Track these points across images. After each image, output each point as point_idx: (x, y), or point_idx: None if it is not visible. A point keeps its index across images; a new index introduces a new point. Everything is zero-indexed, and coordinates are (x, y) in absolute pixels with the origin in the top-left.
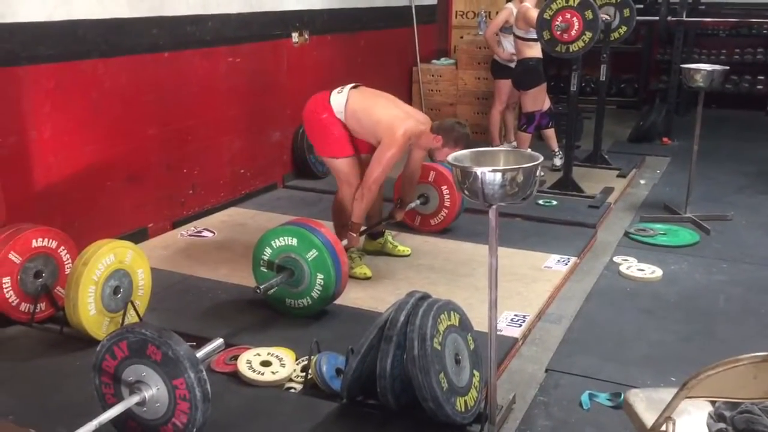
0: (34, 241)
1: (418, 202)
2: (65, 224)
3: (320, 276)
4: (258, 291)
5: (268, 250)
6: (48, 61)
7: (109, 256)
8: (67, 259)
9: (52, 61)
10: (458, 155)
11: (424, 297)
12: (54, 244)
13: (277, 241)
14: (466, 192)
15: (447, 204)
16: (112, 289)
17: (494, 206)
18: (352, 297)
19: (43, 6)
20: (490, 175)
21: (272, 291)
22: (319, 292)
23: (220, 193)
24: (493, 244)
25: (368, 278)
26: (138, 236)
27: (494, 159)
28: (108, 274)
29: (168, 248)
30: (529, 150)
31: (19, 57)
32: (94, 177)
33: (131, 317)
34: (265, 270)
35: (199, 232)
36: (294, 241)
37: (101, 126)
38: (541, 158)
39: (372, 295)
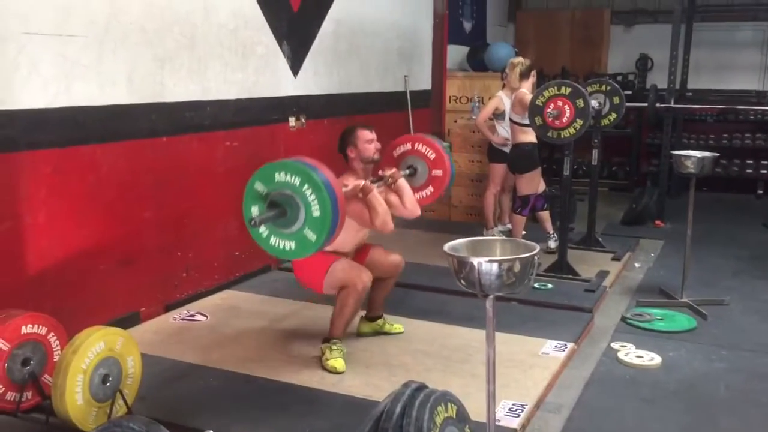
0: (23, 327)
1: (406, 172)
2: (56, 309)
3: (312, 232)
4: (254, 222)
5: (274, 181)
6: (46, 146)
7: (99, 343)
8: (56, 346)
9: (51, 146)
10: (454, 245)
11: (421, 387)
12: (43, 331)
13: (292, 178)
14: (462, 282)
15: (436, 175)
16: (101, 377)
17: (491, 296)
18: (347, 384)
19: (44, 93)
20: (486, 266)
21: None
22: (303, 243)
23: (214, 276)
24: (491, 334)
25: (339, 373)
26: (130, 320)
27: (491, 249)
28: (97, 362)
29: (160, 333)
30: (525, 240)
31: (18, 143)
32: (88, 261)
33: (119, 407)
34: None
35: (192, 315)
36: (311, 197)
37: (97, 210)
38: (538, 248)
39: (367, 382)
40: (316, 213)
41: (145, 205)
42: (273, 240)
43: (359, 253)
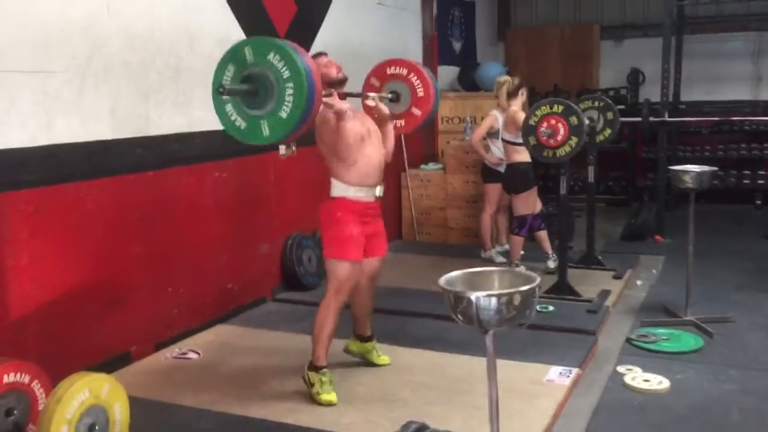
0: (5, 376)
1: (388, 96)
2: (42, 354)
3: (268, 127)
4: (222, 90)
5: (265, 58)
6: (28, 186)
7: (83, 391)
8: (41, 394)
9: (32, 186)
10: (450, 278)
11: (421, 428)
12: (26, 379)
13: (283, 68)
14: (460, 317)
15: (414, 113)
16: (86, 427)
17: (491, 332)
18: (345, 422)
19: (24, 132)
20: (485, 300)
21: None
22: (254, 131)
23: (206, 311)
24: (492, 372)
25: (333, 405)
26: (120, 361)
27: (488, 281)
28: (82, 412)
29: (150, 373)
30: (525, 271)
31: None
32: (74, 302)
33: None
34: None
35: (184, 353)
36: (288, 96)
37: (83, 249)
38: (539, 280)
39: (366, 419)
40: (283, 114)
41: (133, 242)
42: (229, 108)
43: (376, 244)
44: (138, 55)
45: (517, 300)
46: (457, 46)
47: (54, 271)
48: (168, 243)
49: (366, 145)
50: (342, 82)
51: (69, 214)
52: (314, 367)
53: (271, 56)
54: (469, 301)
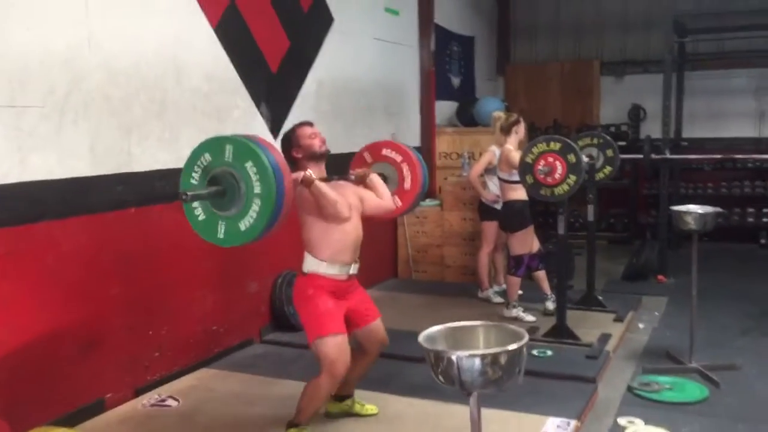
0: None
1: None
2: (10, 404)
3: (226, 235)
4: (185, 197)
5: (242, 166)
6: None
7: None
8: None
9: (3, 226)
10: (431, 334)
11: None
12: None
13: (257, 183)
14: (440, 378)
15: (407, 187)
16: None
17: (475, 393)
18: None
19: None
20: (467, 361)
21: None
22: (210, 231)
23: (189, 354)
24: None
25: None
26: (93, 410)
27: (472, 337)
28: None
29: (125, 423)
30: (513, 326)
31: None
32: (47, 348)
33: None
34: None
35: (163, 400)
36: (255, 181)
37: (57, 291)
38: (527, 338)
39: None
40: (242, 226)
41: (112, 282)
42: (195, 203)
43: (365, 310)
44: (121, 89)
45: (503, 359)
46: (455, 81)
47: (25, 315)
48: (149, 283)
49: (338, 225)
50: (323, 156)
51: (42, 254)
52: (293, 425)
53: (249, 165)
54: (450, 361)
